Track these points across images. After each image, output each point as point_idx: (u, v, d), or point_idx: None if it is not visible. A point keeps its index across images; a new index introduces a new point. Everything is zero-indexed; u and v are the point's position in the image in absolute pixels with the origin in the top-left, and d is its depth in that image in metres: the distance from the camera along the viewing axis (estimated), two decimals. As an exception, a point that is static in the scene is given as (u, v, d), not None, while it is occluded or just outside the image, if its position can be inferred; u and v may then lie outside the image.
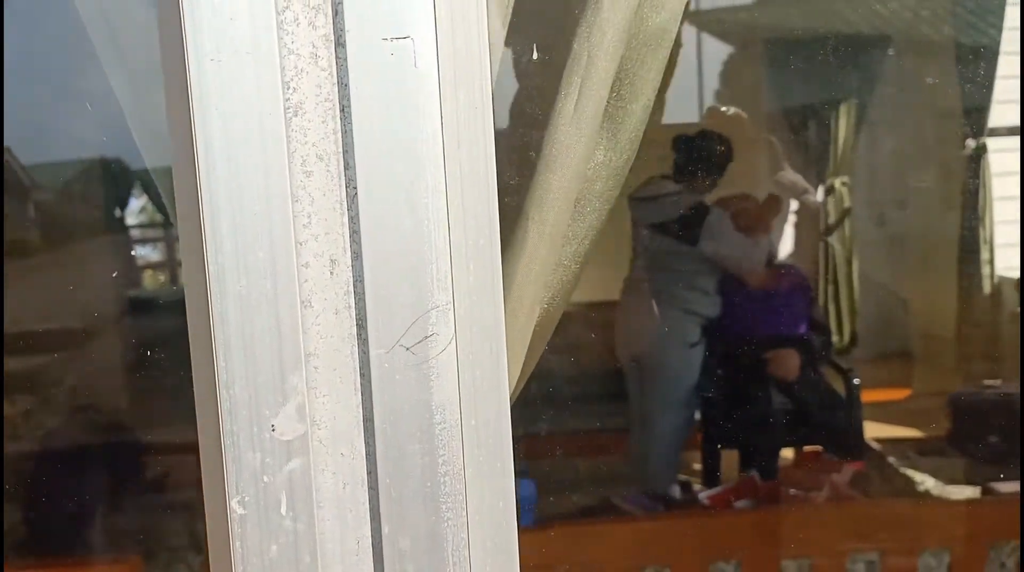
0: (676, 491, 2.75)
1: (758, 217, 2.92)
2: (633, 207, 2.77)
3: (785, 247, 4.69)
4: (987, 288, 3.91)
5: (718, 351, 2.87)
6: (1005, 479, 2.69)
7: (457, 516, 0.45)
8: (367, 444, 0.45)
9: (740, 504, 2.62)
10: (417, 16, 0.43)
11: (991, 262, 3.95)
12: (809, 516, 2.19)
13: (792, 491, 2.62)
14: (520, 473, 1.84)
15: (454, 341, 0.44)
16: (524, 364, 0.60)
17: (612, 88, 0.59)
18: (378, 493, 0.45)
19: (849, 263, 4.49)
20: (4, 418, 2.36)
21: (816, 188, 4.53)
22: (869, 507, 2.30)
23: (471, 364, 0.45)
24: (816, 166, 4.52)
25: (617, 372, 3.34)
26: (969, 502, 2.27)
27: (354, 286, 0.44)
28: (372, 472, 0.45)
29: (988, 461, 2.71)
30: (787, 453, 2.93)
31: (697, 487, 2.96)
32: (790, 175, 4.58)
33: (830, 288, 4.48)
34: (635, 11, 0.54)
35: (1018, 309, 3.16)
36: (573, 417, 3.43)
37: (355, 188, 0.44)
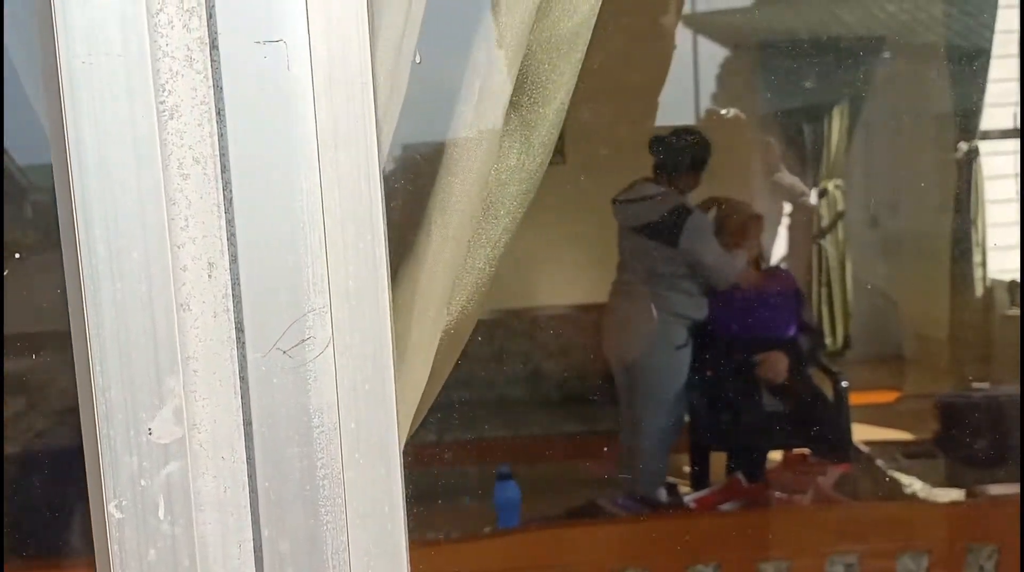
0: (663, 493, 2.74)
1: (739, 233, 2.91)
2: (617, 211, 2.77)
3: (779, 249, 4.68)
4: (979, 291, 3.89)
5: (705, 353, 2.86)
6: (992, 481, 2.67)
7: (336, 519, 0.45)
8: (247, 448, 0.45)
9: (726, 507, 2.61)
10: (289, 19, 0.42)
11: (983, 265, 3.92)
12: (790, 518, 2.17)
13: (777, 493, 2.60)
14: (504, 476, 1.82)
15: (331, 344, 0.44)
16: (438, 367, 0.59)
17: (525, 92, 0.59)
18: (258, 496, 0.45)
19: (842, 265, 4.47)
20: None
21: (810, 190, 4.52)
22: (850, 510, 2.28)
23: (351, 367, 0.45)
24: (810, 168, 4.51)
25: (608, 374, 3.34)
26: (950, 505, 2.26)
27: (232, 289, 0.44)
28: (252, 475, 0.45)
29: (975, 464, 2.69)
30: (775, 455, 2.92)
31: (687, 489, 2.95)
32: (788, 177, 4.56)
33: (823, 290, 4.46)
34: (535, 15, 0.53)
35: (1008, 312, 3.13)
36: (565, 419, 3.42)
37: (231, 191, 0.43)
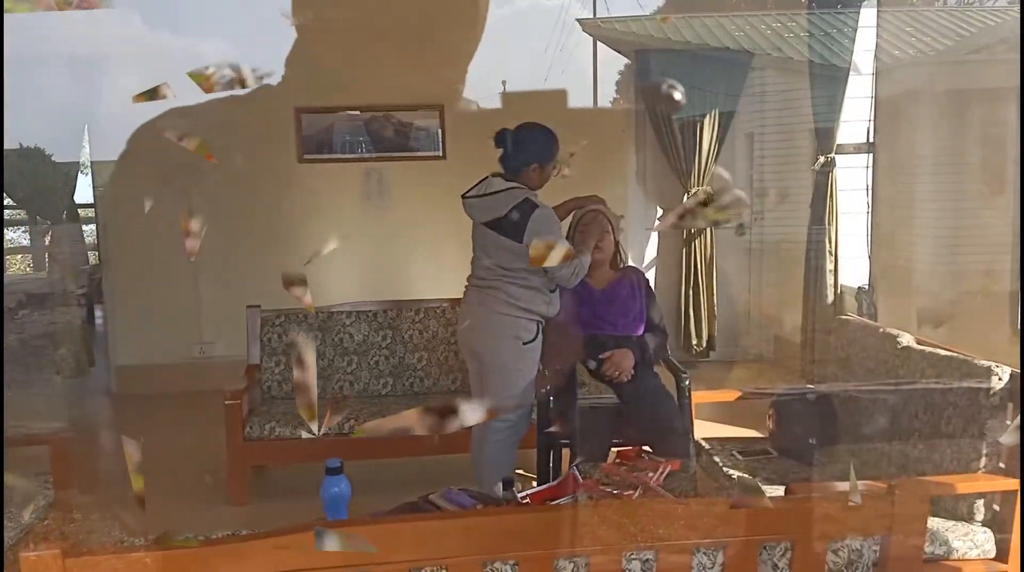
0: (498, 488, 2.63)
1: (594, 234, 2.83)
2: (467, 206, 2.65)
3: (649, 252, 4.67)
4: (831, 297, 3.94)
5: (552, 350, 2.77)
6: (820, 477, 2.66)
7: None
8: None
9: (560, 501, 2.52)
10: None
11: (835, 272, 3.97)
12: (599, 514, 2.09)
13: (608, 489, 2.53)
14: (334, 470, 1.64)
15: None
16: None
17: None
18: None
19: (710, 270, 4.48)
20: None
21: (683, 196, 4.52)
22: (662, 505, 2.22)
23: None
24: (683, 175, 4.50)
25: (463, 368, 3.24)
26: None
27: None
28: None
29: (803, 460, 2.69)
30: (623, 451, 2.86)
31: (534, 483, 2.86)
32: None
33: (691, 293, 4.46)
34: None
35: (846, 316, 3.16)
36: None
37: None
